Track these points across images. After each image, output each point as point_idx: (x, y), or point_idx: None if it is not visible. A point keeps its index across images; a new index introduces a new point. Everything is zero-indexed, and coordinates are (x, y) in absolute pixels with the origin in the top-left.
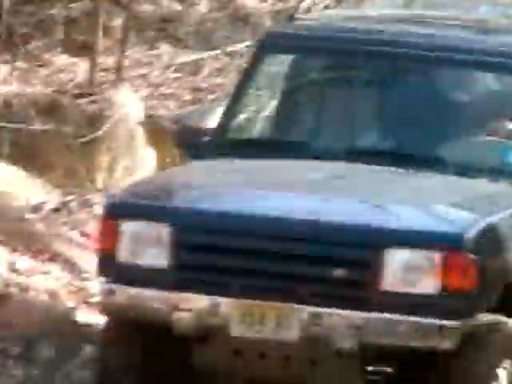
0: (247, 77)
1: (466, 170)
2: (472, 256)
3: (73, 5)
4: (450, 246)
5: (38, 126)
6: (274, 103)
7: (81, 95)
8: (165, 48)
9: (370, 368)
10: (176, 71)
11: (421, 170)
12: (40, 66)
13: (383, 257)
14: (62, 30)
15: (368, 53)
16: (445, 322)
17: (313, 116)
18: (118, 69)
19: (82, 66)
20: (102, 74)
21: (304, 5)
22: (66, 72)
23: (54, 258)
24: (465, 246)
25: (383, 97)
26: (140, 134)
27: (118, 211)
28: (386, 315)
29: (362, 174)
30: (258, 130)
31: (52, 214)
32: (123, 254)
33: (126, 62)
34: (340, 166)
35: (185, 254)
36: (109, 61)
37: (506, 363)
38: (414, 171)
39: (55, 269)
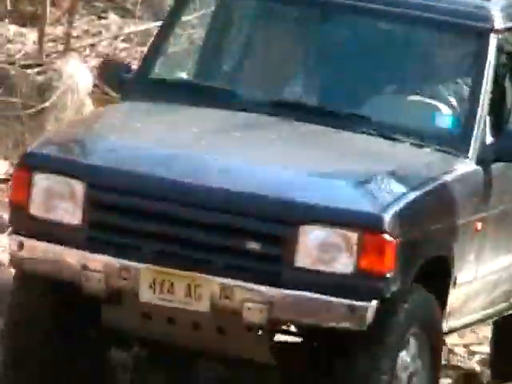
0: (176, 13)
1: (390, 131)
2: (390, 237)
3: None
4: (368, 226)
5: None
6: (200, 44)
7: (29, 66)
8: (113, 18)
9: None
10: (124, 41)
11: (344, 129)
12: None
13: (298, 233)
14: (10, 1)
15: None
16: (356, 303)
17: (238, 62)
18: (67, 39)
19: (30, 37)
20: (51, 44)
21: None
22: (14, 43)
23: (3, 228)
24: (383, 226)
25: (312, 49)
26: (88, 104)
27: (31, 162)
28: (298, 292)
29: (283, 134)
30: (181, 71)
31: (0, 184)
32: (35, 208)
33: (75, 33)
34: (262, 122)
35: (97, 213)
36: (57, 31)
37: (415, 330)
38: (337, 132)
39: (4, 238)
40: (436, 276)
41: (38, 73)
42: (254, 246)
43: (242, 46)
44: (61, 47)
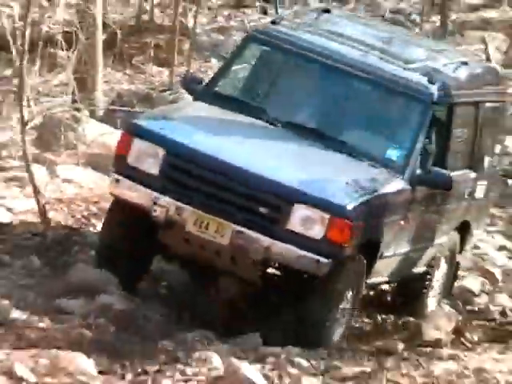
0: (233, 55)
1: (358, 154)
2: (349, 221)
3: (160, 36)
4: (336, 212)
5: (138, 109)
6: (245, 77)
7: (164, 90)
8: (214, 62)
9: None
10: None
11: (329, 147)
12: (140, 72)
13: (292, 208)
14: (153, 51)
15: (315, 59)
16: (320, 258)
17: (269, 92)
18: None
19: (165, 73)
20: (177, 77)
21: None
22: (155, 76)
23: None
24: (345, 214)
25: (315, 91)
26: None
27: (133, 130)
28: (286, 245)
29: (290, 144)
30: (234, 91)
31: None
32: (131, 159)
33: (191, 70)
34: (278, 133)
35: (168, 170)
36: (181, 69)
37: (351, 288)
38: (325, 149)
39: None
40: (370, 251)
41: (170, 94)
42: (263, 210)
43: (272, 83)
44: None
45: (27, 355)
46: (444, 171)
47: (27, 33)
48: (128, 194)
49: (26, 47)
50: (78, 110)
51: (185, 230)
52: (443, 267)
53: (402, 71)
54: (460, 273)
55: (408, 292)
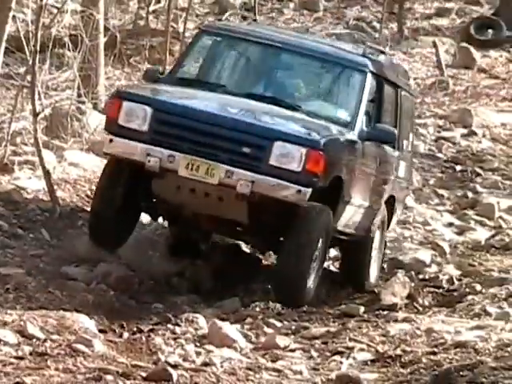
0: (190, 46)
1: (314, 116)
2: (323, 153)
3: (154, 38)
4: (312, 145)
5: None
6: (203, 63)
7: None
8: None
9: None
10: None
11: (286, 110)
12: (136, 70)
13: (273, 145)
14: (148, 52)
15: (259, 43)
16: (301, 188)
17: (227, 72)
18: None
19: None
20: None
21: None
22: None
23: None
24: (319, 147)
25: (271, 67)
26: None
27: (121, 95)
28: (269, 178)
29: (259, 105)
30: (195, 75)
31: None
32: (122, 120)
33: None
34: (243, 100)
35: (158, 125)
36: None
37: (321, 236)
38: (286, 109)
39: None
40: (334, 195)
41: None
42: (247, 150)
43: (227, 65)
44: None
45: (37, 315)
46: (387, 126)
47: (39, 35)
48: (122, 151)
49: (38, 48)
50: (82, 102)
51: (177, 174)
52: (377, 237)
53: (339, 50)
54: (412, 246)
55: (352, 263)
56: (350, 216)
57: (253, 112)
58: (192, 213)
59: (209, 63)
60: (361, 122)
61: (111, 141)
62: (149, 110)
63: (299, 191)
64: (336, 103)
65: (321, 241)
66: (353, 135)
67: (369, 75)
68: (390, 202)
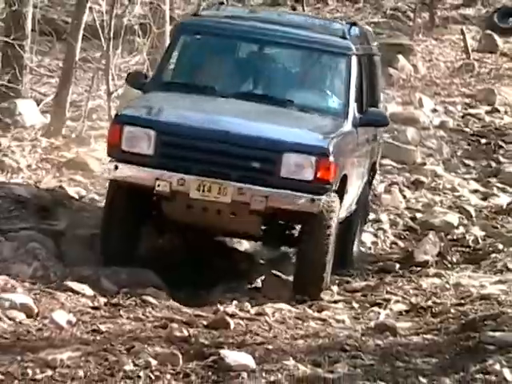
0: (170, 51)
1: (307, 109)
2: (331, 160)
3: None
4: (321, 154)
5: None
6: (185, 63)
7: None
8: None
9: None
10: None
11: (283, 107)
12: None
13: (282, 157)
14: None
15: (239, 38)
16: (314, 197)
17: (213, 71)
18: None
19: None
20: None
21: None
22: None
23: None
24: (328, 154)
25: (255, 62)
26: None
27: (122, 120)
28: (282, 190)
29: (253, 108)
30: (178, 78)
31: None
32: (125, 145)
33: None
34: (236, 103)
35: (163, 148)
36: None
37: (334, 231)
38: (279, 107)
39: None
40: (340, 187)
41: None
42: (257, 165)
43: (212, 63)
44: None
45: (110, 272)
46: (379, 109)
47: (112, 24)
48: (129, 176)
49: (111, 35)
50: None
51: (188, 196)
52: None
53: (318, 35)
54: (441, 210)
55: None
56: (351, 201)
57: (255, 120)
58: (204, 228)
59: (192, 63)
60: (352, 109)
61: (116, 167)
62: (152, 133)
63: (313, 200)
64: (326, 92)
65: (333, 236)
66: (347, 125)
67: (353, 58)
68: (373, 168)
